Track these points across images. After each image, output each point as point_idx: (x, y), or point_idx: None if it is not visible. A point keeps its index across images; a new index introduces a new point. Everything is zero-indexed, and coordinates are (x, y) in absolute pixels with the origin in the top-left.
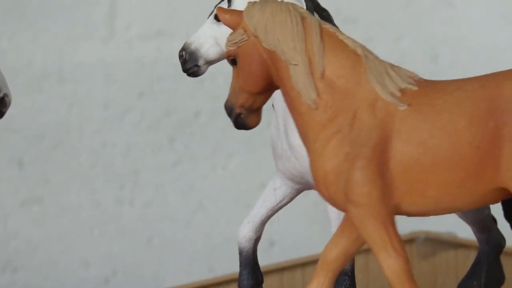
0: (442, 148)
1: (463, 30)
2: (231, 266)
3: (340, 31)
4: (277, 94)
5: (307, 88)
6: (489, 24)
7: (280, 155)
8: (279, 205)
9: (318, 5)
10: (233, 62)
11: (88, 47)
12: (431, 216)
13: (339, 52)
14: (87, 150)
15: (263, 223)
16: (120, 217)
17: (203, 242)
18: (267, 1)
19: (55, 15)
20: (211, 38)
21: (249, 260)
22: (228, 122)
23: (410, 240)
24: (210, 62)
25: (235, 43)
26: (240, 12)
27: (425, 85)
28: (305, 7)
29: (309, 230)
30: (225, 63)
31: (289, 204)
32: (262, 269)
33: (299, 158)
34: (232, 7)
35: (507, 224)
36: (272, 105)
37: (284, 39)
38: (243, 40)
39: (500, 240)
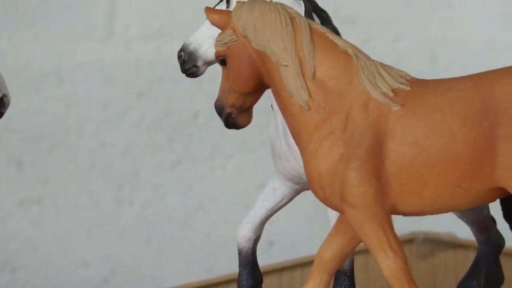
0: (437, 148)
1: (462, 30)
2: (230, 267)
3: (330, 32)
4: None
5: (299, 89)
6: (487, 24)
7: (279, 155)
8: (278, 205)
9: (316, 5)
10: (223, 62)
11: (87, 47)
12: (430, 216)
13: (329, 53)
14: (86, 150)
15: (262, 223)
16: (119, 218)
17: (202, 242)
18: (255, 1)
19: (54, 15)
20: (210, 39)
21: (248, 260)
22: None
23: (409, 240)
24: (209, 63)
25: (224, 43)
26: (228, 12)
27: (417, 85)
28: (303, 8)
29: (308, 230)
30: None
31: (288, 205)
32: (261, 269)
33: (298, 158)
34: (231, 8)
35: (507, 225)
36: (271, 106)
37: (274, 39)
38: (232, 40)
39: (499, 241)
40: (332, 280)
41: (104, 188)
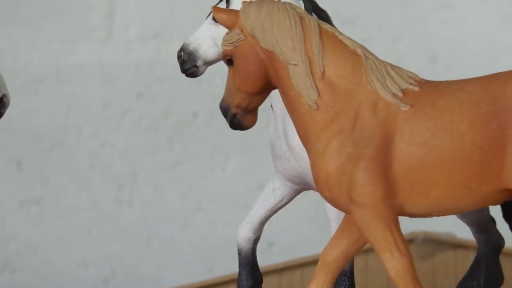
0: (445, 148)
1: (462, 30)
2: (230, 267)
3: (339, 31)
4: (276, 95)
5: (308, 89)
6: (487, 24)
7: (279, 156)
8: (278, 205)
9: (316, 5)
10: (229, 62)
11: (87, 48)
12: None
13: (338, 53)
14: (86, 151)
15: (262, 224)
16: (119, 218)
17: (202, 242)
18: (263, 1)
19: (54, 16)
20: (210, 39)
21: (248, 260)
22: (226, 123)
23: (409, 241)
24: (208, 63)
25: (231, 42)
26: (236, 11)
27: (426, 85)
28: (303, 8)
29: (308, 231)
30: (223, 64)
31: (287, 205)
32: (260, 270)
33: (298, 159)
34: (231, 8)
35: (506, 225)
36: (271, 106)
37: (283, 38)
38: (240, 40)
39: (499, 241)
40: None
41: (104, 188)
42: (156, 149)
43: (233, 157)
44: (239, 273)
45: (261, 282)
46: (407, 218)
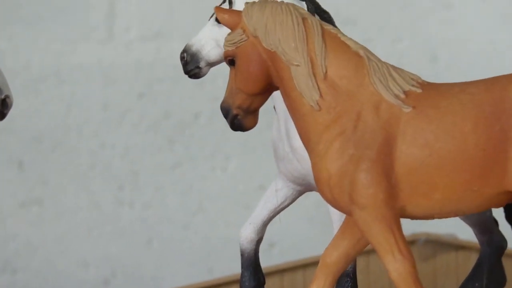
0: (447, 150)
1: (462, 31)
2: (231, 268)
3: (342, 33)
4: (278, 96)
5: (310, 89)
6: (488, 25)
7: (281, 157)
8: (280, 206)
9: (319, 6)
10: (231, 62)
11: (87, 48)
12: None
13: (341, 54)
14: (86, 151)
15: (264, 225)
16: (119, 218)
17: (202, 243)
18: (266, 1)
19: (54, 16)
20: (212, 40)
21: (251, 261)
22: (227, 124)
23: (411, 242)
24: (211, 64)
25: (233, 43)
26: (239, 12)
27: (429, 87)
28: (306, 9)
29: (310, 232)
30: (225, 65)
31: (289, 206)
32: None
33: (300, 160)
34: (233, 9)
35: (509, 226)
36: (274, 107)
37: (285, 39)
38: (242, 40)
39: (501, 242)
40: None
41: (104, 188)
42: (156, 150)
43: (233, 157)
44: (242, 274)
45: (264, 283)
46: (409, 219)
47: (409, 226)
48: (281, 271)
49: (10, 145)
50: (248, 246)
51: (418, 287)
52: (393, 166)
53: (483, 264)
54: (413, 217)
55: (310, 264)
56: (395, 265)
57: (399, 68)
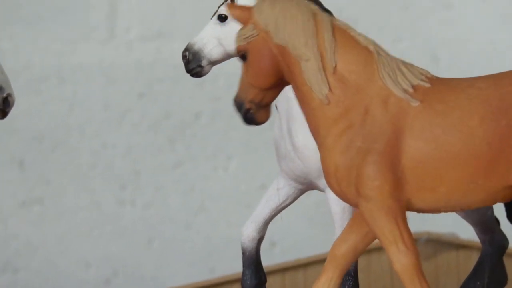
0: (454, 144)
1: (462, 31)
2: (232, 267)
3: (352, 28)
4: (280, 95)
5: (319, 83)
6: (488, 25)
7: (283, 156)
8: (282, 205)
9: (321, 6)
10: (243, 57)
11: (88, 48)
12: (433, 217)
13: (351, 49)
14: (87, 151)
15: (266, 223)
16: (120, 218)
17: (204, 243)
18: None
19: (54, 16)
20: (214, 39)
21: (252, 260)
22: (229, 123)
23: None
24: (213, 63)
25: (245, 38)
26: (250, 7)
27: (437, 82)
28: None
29: (311, 231)
30: (227, 64)
31: (291, 204)
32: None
33: (302, 158)
34: None
35: (510, 226)
36: (275, 106)
37: (296, 34)
38: (253, 35)
39: (503, 241)
40: None
41: (105, 188)
42: (157, 149)
43: (235, 157)
44: (243, 272)
45: (265, 281)
46: (410, 218)
47: (410, 225)
48: (282, 270)
49: (10, 144)
50: (250, 244)
51: (421, 278)
52: (400, 159)
53: (485, 263)
54: (419, 210)
55: (312, 263)
56: (398, 256)
57: (408, 63)
